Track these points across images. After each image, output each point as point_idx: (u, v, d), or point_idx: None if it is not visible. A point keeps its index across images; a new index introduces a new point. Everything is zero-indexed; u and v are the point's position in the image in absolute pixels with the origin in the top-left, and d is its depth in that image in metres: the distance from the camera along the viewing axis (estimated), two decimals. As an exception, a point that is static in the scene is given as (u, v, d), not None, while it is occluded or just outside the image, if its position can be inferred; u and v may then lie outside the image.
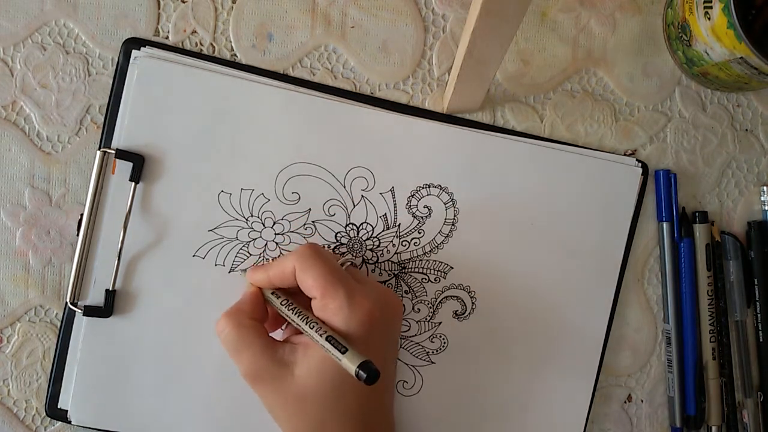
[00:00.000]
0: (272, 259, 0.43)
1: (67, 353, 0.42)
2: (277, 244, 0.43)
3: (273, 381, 0.36)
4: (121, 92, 0.42)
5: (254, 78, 0.43)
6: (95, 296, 0.42)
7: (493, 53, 0.37)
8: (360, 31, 0.45)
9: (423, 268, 0.45)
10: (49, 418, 0.44)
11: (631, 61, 0.47)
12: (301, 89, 0.43)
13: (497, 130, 0.45)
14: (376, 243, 0.44)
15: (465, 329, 0.45)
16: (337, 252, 0.44)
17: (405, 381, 0.45)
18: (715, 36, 0.41)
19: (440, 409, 0.45)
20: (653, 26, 0.47)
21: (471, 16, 0.34)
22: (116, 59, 0.43)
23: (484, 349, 0.45)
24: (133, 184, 0.42)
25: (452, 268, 0.45)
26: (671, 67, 0.47)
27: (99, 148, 0.42)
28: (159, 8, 0.43)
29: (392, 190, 0.44)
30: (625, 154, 0.47)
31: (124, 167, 0.42)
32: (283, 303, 0.38)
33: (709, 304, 0.47)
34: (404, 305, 0.45)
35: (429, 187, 0.44)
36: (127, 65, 0.42)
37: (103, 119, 0.43)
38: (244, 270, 0.43)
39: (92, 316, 0.42)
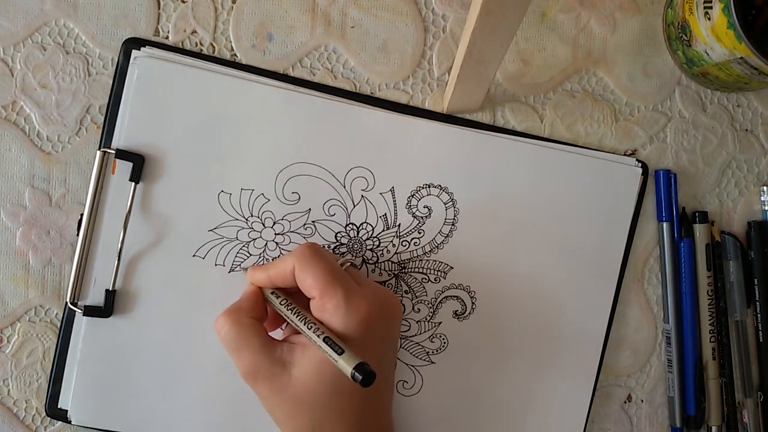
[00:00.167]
0: (272, 259, 0.43)
1: (67, 353, 0.42)
2: (277, 244, 0.43)
3: (271, 380, 0.36)
4: (121, 92, 0.42)
5: (254, 78, 0.43)
6: (95, 296, 0.42)
7: (493, 53, 0.37)
8: (360, 31, 0.45)
9: (423, 268, 0.45)
10: (49, 418, 0.44)
11: (631, 61, 0.47)
12: (301, 89, 0.43)
13: (497, 130, 0.45)
14: (376, 243, 0.44)
15: (465, 329, 0.45)
16: (337, 252, 0.44)
17: (405, 381, 0.45)
18: (715, 36, 0.41)
19: (440, 409, 0.45)
20: (653, 26, 0.47)
21: (471, 16, 0.34)
22: (116, 59, 0.43)
23: (484, 349, 0.45)
24: (133, 184, 0.42)
25: (452, 268, 0.45)
26: (671, 67, 0.47)
27: (99, 148, 0.42)
28: (159, 8, 0.43)
29: (392, 190, 0.44)
30: (625, 154, 0.47)
31: (124, 167, 0.42)
32: (282, 303, 0.38)
33: (709, 304, 0.47)
34: (404, 305, 0.45)
35: (429, 187, 0.44)
36: (127, 65, 0.42)
37: (103, 119, 0.43)
38: (245, 268, 0.43)
39: (92, 316, 0.42)
